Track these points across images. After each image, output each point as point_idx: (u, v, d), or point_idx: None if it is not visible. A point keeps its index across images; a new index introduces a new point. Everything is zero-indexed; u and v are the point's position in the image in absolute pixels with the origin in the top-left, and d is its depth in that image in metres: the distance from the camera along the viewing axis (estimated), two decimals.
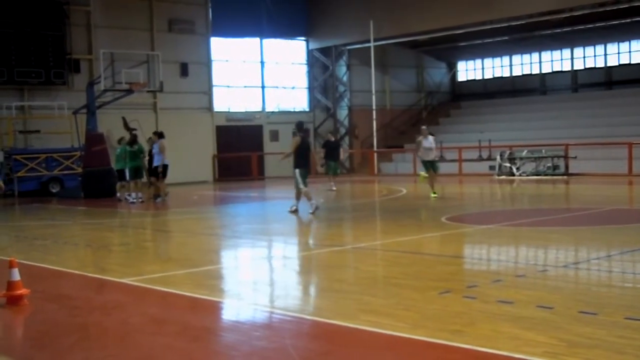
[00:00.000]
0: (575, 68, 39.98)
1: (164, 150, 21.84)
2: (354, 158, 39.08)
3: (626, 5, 28.45)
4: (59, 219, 18.80)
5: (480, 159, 32.53)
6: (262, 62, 36.87)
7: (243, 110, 36.11)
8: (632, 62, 37.82)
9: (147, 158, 22.53)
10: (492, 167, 30.43)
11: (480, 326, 6.11)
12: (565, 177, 27.54)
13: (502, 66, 43.06)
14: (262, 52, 36.84)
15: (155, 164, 21.88)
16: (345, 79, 38.91)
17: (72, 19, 30.15)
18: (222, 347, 6.08)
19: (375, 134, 34.99)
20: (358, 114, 38.05)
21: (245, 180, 33.41)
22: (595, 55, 39.24)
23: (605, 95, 37.40)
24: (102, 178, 24.95)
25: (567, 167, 28.39)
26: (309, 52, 38.40)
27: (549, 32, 35.42)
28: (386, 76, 40.28)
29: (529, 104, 38.41)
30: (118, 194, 23.09)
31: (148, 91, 28.70)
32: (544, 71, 41.29)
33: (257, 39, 36.48)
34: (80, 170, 26.41)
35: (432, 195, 19.86)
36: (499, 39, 37.09)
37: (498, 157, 29.96)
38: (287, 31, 37.01)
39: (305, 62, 38.55)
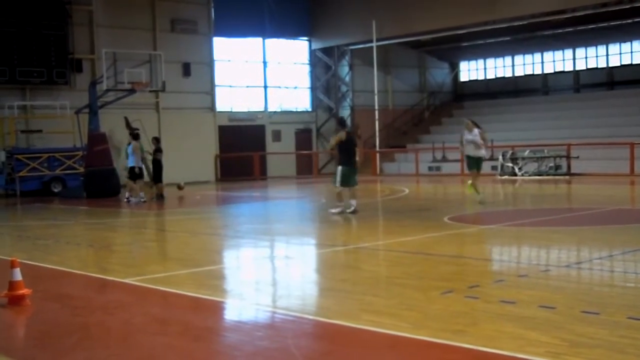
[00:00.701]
0: (577, 68, 39.97)
1: (137, 152, 21.78)
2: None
3: (628, 6, 28.44)
4: (61, 219, 18.81)
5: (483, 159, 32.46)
6: (264, 62, 36.88)
7: (245, 110, 36.13)
8: (634, 62, 37.80)
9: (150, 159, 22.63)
10: (494, 167, 30.40)
11: (482, 326, 6.10)
12: (567, 177, 27.52)
13: (504, 66, 43.05)
14: (265, 52, 36.85)
15: (130, 164, 21.92)
16: (347, 79, 38.92)
17: (75, 19, 30.17)
18: (224, 347, 6.08)
19: (377, 134, 34.98)
20: (360, 114, 38.01)
21: (248, 180, 33.42)
22: (597, 56, 39.22)
23: (607, 95, 37.38)
24: (105, 178, 24.98)
25: (569, 167, 28.37)
26: (312, 52, 38.41)
27: (551, 32, 35.41)
28: (388, 76, 40.28)
29: (531, 104, 38.39)
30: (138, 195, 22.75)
31: (150, 91, 28.71)
32: (546, 71, 41.29)
33: (260, 39, 36.49)
34: (82, 170, 26.42)
35: (478, 196, 17.73)
36: (501, 39, 37.09)
37: (500, 157, 29.94)
38: (290, 31, 37.01)
39: (307, 62, 38.55)
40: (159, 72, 28.10)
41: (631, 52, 38.00)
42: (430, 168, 34.18)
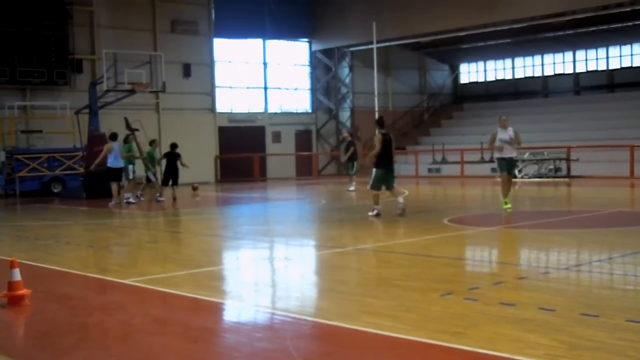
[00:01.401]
0: (577, 71, 39.99)
1: (111, 152, 21.56)
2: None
3: (628, 9, 28.45)
4: (60, 219, 18.81)
5: (482, 161, 32.51)
6: (264, 63, 36.89)
7: (245, 111, 36.13)
8: (634, 65, 37.82)
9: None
10: (494, 169, 30.38)
11: (481, 328, 6.10)
12: (567, 179, 27.54)
13: (504, 68, 43.07)
14: (265, 53, 36.87)
15: (113, 165, 21.71)
16: (347, 80, 38.93)
17: (75, 19, 30.19)
18: (223, 348, 6.08)
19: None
20: (360, 116, 38.04)
21: (247, 182, 33.41)
22: (597, 58, 39.24)
23: (607, 98, 37.39)
24: (104, 178, 24.91)
25: (569, 169, 28.38)
26: (312, 54, 38.43)
27: (552, 34, 35.44)
28: (389, 78, 40.29)
29: (531, 107, 38.41)
30: (158, 196, 22.48)
31: (150, 92, 28.73)
32: (546, 74, 41.31)
33: (260, 40, 36.50)
34: (82, 170, 26.41)
35: (505, 207, 15.77)
36: (501, 41, 37.11)
37: None
38: (290, 32, 37.03)
39: (307, 63, 38.57)
40: (159, 73, 28.11)
41: (631, 54, 38.01)
42: (429, 170, 34.18)
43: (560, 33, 35.02)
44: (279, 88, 37.39)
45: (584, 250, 10.83)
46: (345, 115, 39.07)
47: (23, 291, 7.68)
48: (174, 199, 21.61)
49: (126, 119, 25.92)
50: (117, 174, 21.72)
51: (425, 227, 13.75)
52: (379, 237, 13.44)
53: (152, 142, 22.92)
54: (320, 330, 6.50)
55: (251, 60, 36.49)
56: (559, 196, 22.32)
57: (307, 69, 38.62)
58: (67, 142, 28.06)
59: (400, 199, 15.82)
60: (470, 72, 44.74)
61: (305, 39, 38.17)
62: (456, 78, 45.00)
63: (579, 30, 34.24)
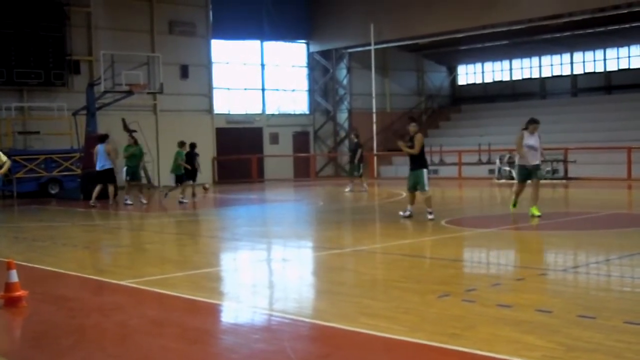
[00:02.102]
0: (574, 72, 40.01)
1: (108, 154, 21.59)
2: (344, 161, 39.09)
3: (625, 11, 28.47)
4: (57, 221, 18.79)
5: (480, 162, 32.55)
6: (262, 65, 36.88)
7: (243, 112, 36.11)
8: (631, 67, 37.84)
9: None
10: (491, 171, 30.46)
11: (479, 329, 6.11)
12: (564, 181, 27.56)
13: (502, 70, 43.08)
14: (263, 54, 36.85)
15: (98, 167, 21.66)
16: (345, 82, 38.92)
17: (73, 20, 30.14)
18: (220, 349, 6.08)
19: (375, 137, 34.98)
20: (358, 117, 38.01)
21: (245, 183, 33.40)
22: (594, 60, 39.27)
23: (605, 99, 37.44)
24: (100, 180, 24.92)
25: (566, 171, 28.40)
26: (310, 55, 38.42)
27: (549, 36, 35.45)
28: (386, 79, 40.28)
29: (529, 108, 38.29)
30: (181, 197, 22.16)
31: (148, 93, 28.69)
32: (543, 75, 41.33)
33: (258, 42, 36.48)
34: (79, 171, 26.38)
35: (534, 214, 14.62)
36: (499, 43, 37.11)
37: (497, 161, 29.98)
38: (288, 34, 37.03)
39: (305, 64, 38.56)
40: (157, 74, 28.09)
41: (629, 56, 38.05)
42: (427, 171, 34.12)
43: (558, 35, 35.04)
44: (277, 89, 37.38)
45: (582, 252, 10.84)
46: (342, 117, 39.06)
47: (20, 293, 7.67)
48: (194, 195, 22.61)
49: (124, 120, 25.93)
50: (106, 175, 21.67)
51: (423, 229, 13.76)
52: (376, 238, 13.44)
53: (182, 144, 22.65)
54: (318, 332, 6.50)
55: (249, 62, 36.48)
56: (556, 198, 22.33)
57: (305, 71, 38.61)
58: (65, 144, 28.02)
59: (410, 208, 15.44)
60: (468, 74, 44.76)
61: (303, 41, 38.16)
62: (454, 79, 45.02)
63: (577, 32, 34.24)
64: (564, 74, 40.46)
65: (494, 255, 11.02)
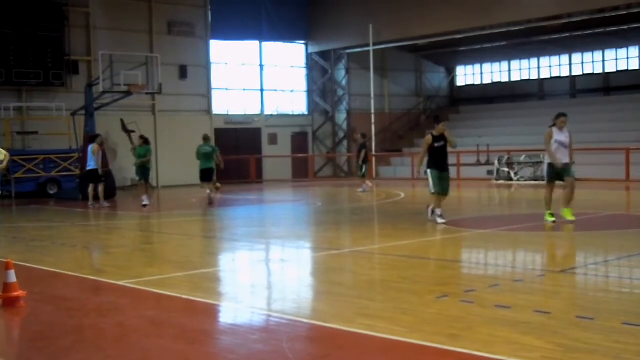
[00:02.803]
0: (573, 74, 40.02)
1: (97, 154, 21.45)
2: (352, 162, 39.07)
3: (624, 12, 28.48)
4: (56, 221, 18.78)
5: (479, 163, 32.56)
6: (261, 65, 36.88)
7: (242, 113, 36.10)
8: (630, 68, 37.86)
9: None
10: (490, 172, 30.47)
11: (477, 330, 6.11)
12: (562, 182, 27.50)
13: (500, 71, 43.08)
14: (262, 55, 36.85)
15: (90, 167, 21.56)
16: (344, 82, 38.93)
17: (71, 21, 30.14)
18: (219, 350, 6.07)
19: (373, 137, 34.98)
20: (357, 118, 38.04)
21: (244, 183, 33.38)
22: (593, 61, 39.28)
23: (603, 101, 37.45)
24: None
25: None
26: (308, 56, 38.43)
27: (548, 37, 35.47)
28: (385, 80, 40.30)
29: (527, 109, 38.43)
30: (209, 193, 21.42)
31: (147, 93, 28.67)
32: (542, 76, 41.33)
33: (257, 42, 36.49)
34: (78, 172, 26.38)
35: (568, 218, 13.82)
36: (497, 44, 37.15)
37: (496, 162, 30.00)
38: (287, 34, 37.03)
39: (304, 65, 38.57)
40: (156, 75, 28.07)
41: (627, 57, 38.06)
42: (426, 172, 34.11)
43: (557, 36, 35.06)
44: (276, 90, 37.38)
45: (580, 253, 10.85)
46: (341, 118, 39.07)
47: (18, 293, 7.66)
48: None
49: (122, 121, 25.89)
50: (90, 175, 21.69)
51: (421, 230, 13.76)
52: (374, 239, 13.44)
53: (207, 139, 21.91)
54: (316, 332, 6.50)
55: (247, 62, 36.48)
56: (555, 199, 22.29)
57: (304, 71, 38.61)
58: (63, 144, 28.01)
59: (437, 208, 14.50)
60: (467, 75, 44.77)
61: (302, 41, 38.16)
62: (452, 81, 45.03)
63: (575, 34, 34.27)
64: (562, 75, 40.48)
65: (492, 256, 11.02)
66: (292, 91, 38.00)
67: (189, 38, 33.56)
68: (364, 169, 25.44)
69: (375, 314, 6.87)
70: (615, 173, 27.28)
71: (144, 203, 21.09)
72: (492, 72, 43.45)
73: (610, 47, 37.98)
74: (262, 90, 36.89)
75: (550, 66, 40.95)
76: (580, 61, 39.65)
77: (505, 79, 42.86)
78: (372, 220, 17.02)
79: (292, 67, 38.16)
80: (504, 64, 42.74)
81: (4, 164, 8.44)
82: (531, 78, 41.76)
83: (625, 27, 32.47)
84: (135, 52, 29.23)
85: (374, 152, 35.21)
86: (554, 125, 14.03)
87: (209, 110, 34.59)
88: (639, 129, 30.75)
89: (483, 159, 32.68)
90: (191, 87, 33.72)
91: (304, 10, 37.52)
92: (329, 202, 23.63)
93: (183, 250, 12.32)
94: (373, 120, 34.68)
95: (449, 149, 14.69)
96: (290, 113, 37.95)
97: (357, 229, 14.93)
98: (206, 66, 34.44)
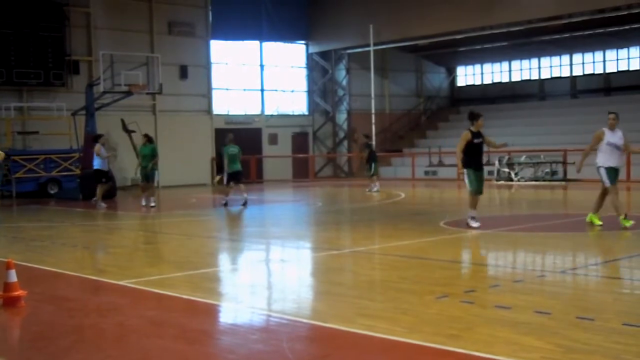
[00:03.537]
0: (574, 74, 40.02)
1: (100, 154, 21.21)
2: (353, 162, 39.10)
3: (625, 12, 28.47)
4: (57, 221, 18.78)
5: None
6: (261, 65, 36.88)
7: (242, 113, 36.10)
8: (631, 68, 37.86)
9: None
10: (490, 173, 30.45)
11: (477, 331, 6.11)
12: (563, 182, 27.56)
13: (501, 71, 43.09)
14: (262, 55, 36.85)
15: (96, 167, 21.31)
16: (344, 82, 38.93)
17: (72, 21, 30.15)
18: (219, 350, 6.08)
19: (374, 138, 34.97)
20: (357, 118, 38.05)
21: (244, 183, 33.29)
22: (594, 62, 39.28)
23: (604, 101, 37.41)
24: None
25: (565, 172, 28.40)
26: (309, 56, 38.43)
27: (548, 38, 35.48)
28: (385, 80, 40.31)
29: (528, 110, 38.45)
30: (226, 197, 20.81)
31: (147, 93, 28.69)
32: (543, 77, 41.34)
33: (257, 42, 36.49)
34: (78, 171, 26.39)
35: (625, 223, 13.07)
36: (498, 44, 37.16)
37: (496, 163, 30.00)
38: (287, 34, 37.04)
39: (304, 65, 38.57)
40: (156, 75, 28.09)
41: (628, 58, 38.06)
42: (426, 172, 34.20)
43: (557, 36, 35.06)
44: (276, 90, 37.39)
45: (580, 254, 10.85)
46: (341, 118, 39.07)
47: (19, 292, 7.67)
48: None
49: (123, 121, 25.93)
50: (94, 175, 21.60)
51: (421, 230, 13.76)
52: (375, 239, 13.44)
53: (232, 139, 21.32)
54: (316, 333, 6.51)
55: (248, 62, 36.48)
56: (555, 199, 22.35)
57: (304, 71, 38.61)
58: (64, 144, 28.01)
59: (473, 211, 13.73)
60: (467, 75, 44.78)
61: (302, 41, 38.17)
62: (453, 81, 45.04)
63: (576, 34, 34.28)
64: (563, 75, 40.48)
65: (492, 256, 11.02)
66: (292, 91, 38.00)
67: (190, 38, 33.57)
68: (373, 169, 25.37)
69: (375, 314, 6.87)
70: None
71: (152, 204, 20.62)
72: (492, 73, 43.46)
73: (611, 47, 37.99)
74: (262, 90, 36.89)
75: (551, 66, 40.95)
76: (581, 61, 39.65)
77: (505, 79, 42.86)
78: (373, 221, 17.01)
79: (292, 67, 38.17)
80: (505, 64, 42.75)
81: None
82: (532, 78, 41.77)
83: (627, 27, 32.47)
84: (136, 52, 29.25)
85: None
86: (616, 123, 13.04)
87: (209, 110, 34.59)
88: None
89: (483, 160, 32.60)
90: (191, 87, 33.73)
91: (305, 10, 37.52)
92: (329, 202, 23.62)
93: (183, 250, 12.32)
94: (373, 121, 34.65)
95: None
96: (291, 113, 37.96)
97: (357, 229, 14.93)
98: (206, 66, 34.45)
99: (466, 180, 13.87)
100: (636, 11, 28.06)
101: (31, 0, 28.78)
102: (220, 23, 34.39)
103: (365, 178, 26.23)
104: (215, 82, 34.98)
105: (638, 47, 37.45)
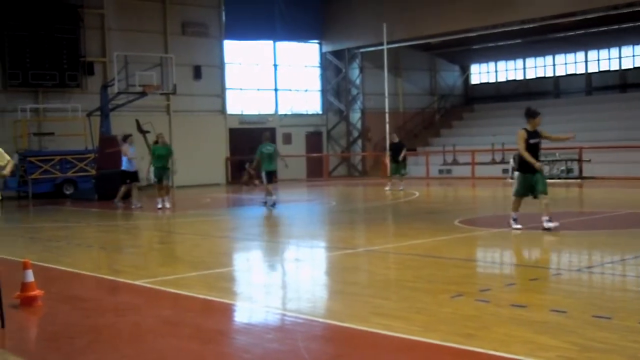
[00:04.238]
0: (589, 71, 39.81)
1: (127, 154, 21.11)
2: (367, 161, 39.07)
3: (639, 8, 28.28)
4: (72, 221, 18.88)
5: (494, 162, 32.43)
6: (275, 65, 36.93)
7: (256, 113, 36.16)
8: None
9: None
10: (505, 170, 30.34)
11: (493, 330, 6.09)
12: (579, 180, 27.42)
13: (515, 69, 42.92)
14: (275, 54, 36.90)
15: (129, 168, 21.09)
16: (358, 81, 38.91)
17: (87, 22, 30.31)
18: (234, 349, 6.09)
19: (388, 136, 34.90)
20: (371, 117, 38.02)
21: (258, 183, 33.36)
22: (609, 58, 39.05)
23: (619, 98, 37.19)
24: (116, 180, 25.01)
25: (581, 170, 28.26)
26: (322, 55, 38.44)
27: (563, 34, 35.30)
28: (399, 79, 40.23)
29: (543, 107, 37.60)
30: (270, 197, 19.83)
31: (161, 94, 28.81)
32: (557, 74, 41.13)
33: (271, 42, 36.55)
34: (93, 172, 26.53)
35: None
36: (512, 41, 36.99)
37: (511, 160, 29.82)
38: (301, 34, 37.06)
39: (318, 64, 38.58)
40: (170, 75, 28.19)
41: None
42: (440, 171, 34.12)
43: (572, 33, 34.88)
44: (290, 89, 37.42)
45: (596, 252, 10.78)
46: (355, 117, 39.05)
47: (36, 292, 7.72)
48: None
49: (137, 121, 26.03)
50: (124, 175, 21.53)
51: (435, 229, 13.73)
52: (389, 238, 13.43)
53: (269, 137, 20.69)
54: (331, 332, 6.50)
55: (261, 62, 36.54)
56: (570, 197, 22.23)
57: (318, 71, 38.63)
58: (79, 145, 28.17)
59: (545, 218, 12.58)
60: (481, 73, 44.63)
61: (316, 41, 38.19)
62: (467, 79, 44.90)
63: (591, 30, 34.08)
64: (578, 72, 40.26)
65: (507, 255, 10.97)
66: (306, 91, 38.03)
67: (203, 38, 33.67)
68: (405, 168, 25.34)
69: (390, 313, 6.86)
70: (632, 171, 27.08)
71: (167, 205, 20.25)
72: (506, 70, 43.29)
73: (626, 43, 37.74)
74: (276, 90, 36.93)
75: (565, 63, 40.74)
76: (597, 58, 39.43)
77: (520, 77, 42.68)
78: (387, 220, 17.00)
79: (306, 66, 38.19)
80: (519, 62, 42.57)
81: (7, 169, 8.34)
82: (546, 75, 41.58)
83: None
84: (150, 53, 29.36)
85: (388, 152, 35.14)
86: None
87: (223, 110, 34.68)
88: None
89: (498, 158, 32.55)
90: (205, 87, 33.82)
91: (318, 9, 37.53)
92: (343, 201, 23.62)
93: (198, 250, 12.35)
94: (387, 120, 34.61)
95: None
96: (305, 112, 37.98)
97: (372, 228, 14.91)
98: (220, 66, 34.54)
99: (516, 183, 13.14)
100: None
101: (46, 3, 28.97)
102: (233, 23, 34.46)
103: (378, 177, 26.12)
104: (229, 82, 35.07)
105: None
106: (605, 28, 33.47)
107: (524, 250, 11.30)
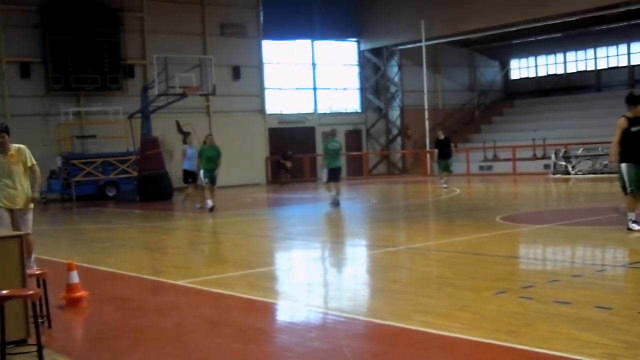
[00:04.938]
0: (631, 63, 39.09)
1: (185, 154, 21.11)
2: (407, 158, 38.91)
3: None
4: (115, 222, 19.13)
5: (535, 157, 32.07)
6: (313, 64, 36.96)
7: (295, 112, 36.23)
8: None
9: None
10: (547, 166, 29.99)
11: (536, 327, 6.02)
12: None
13: (556, 63, 42.35)
14: (314, 53, 36.93)
15: (189, 167, 20.93)
16: (396, 79, 38.76)
17: (127, 26, 30.65)
18: (276, 348, 6.11)
19: (427, 133, 34.76)
20: (410, 114, 37.85)
21: (298, 182, 33.48)
22: None
23: None
24: (157, 181, 25.33)
25: None
26: (360, 53, 38.37)
27: (605, 27, 34.71)
28: (438, 75, 39.99)
29: (584, 101, 37.70)
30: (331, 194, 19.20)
31: (201, 95, 29.01)
32: (599, 67, 40.48)
33: (309, 41, 36.58)
34: (135, 174, 26.84)
35: None
36: (552, 35, 36.51)
37: (553, 156, 29.51)
38: (338, 32, 37.02)
39: (356, 63, 38.53)
40: (209, 76, 28.37)
41: None
42: (481, 167, 33.84)
43: (614, 25, 34.29)
44: (328, 88, 37.42)
45: None
46: (394, 114, 38.91)
47: (81, 293, 7.84)
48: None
49: (178, 122, 26.26)
50: (185, 175, 21.41)
51: (477, 225, 13.62)
52: (430, 236, 13.36)
53: (333, 134, 19.97)
54: (373, 330, 6.49)
55: (300, 61, 36.60)
56: (614, 192, 21.82)
57: (356, 69, 38.57)
58: (121, 147, 28.51)
59: (631, 214, 11.66)
60: (521, 68, 44.15)
61: (354, 39, 38.13)
62: (507, 74, 44.45)
63: (633, 22, 33.46)
64: (620, 65, 39.58)
65: (550, 251, 10.84)
66: (344, 89, 38.00)
67: (242, 39, 33.83)
68: (443, 164, 25.20)
69: (432, 310, 6.83)
70: None
71: (210, 206, 19.57)
72: (547, 65, 42.76)
73: None
74: (314, 88, 36.97)
75: (607, 56, 40.07)
76: (639, 50, 38.70)
77: (560, 71, 42.11)
78: (427, 217, 16.91)
79: (344, 64, 38.15)
80: (559, 56, 42.00)
81: (35, 189, 8.36)
82: (588, 69, 40.94)
83: None
84: (189, 54, 29.56)
85: (427, 149, 35.00)
86: None
87: (262, 110, 34.82)
88: None
89: (539, 153, 32.17)
90: (244, 87, 33.98)
91: (355, 7, 37.45)
92: (383, 199, 23.55)
93: (239, 250, 12.42)
94: (427, 116, 34.47)
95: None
96: (344, 111, 37.96)
97: (412, 226, 14.85)
98: (259, 66, 34.68)
99: (625, 177, 11.59)
100: None
101: (87, 8, 29.36)
102: (271, 23, 34.57)
103: (418, 175, 25.98)
104: (267, 81, 35.18)
105: None
106: None
107: (566, 246, 11.14)
